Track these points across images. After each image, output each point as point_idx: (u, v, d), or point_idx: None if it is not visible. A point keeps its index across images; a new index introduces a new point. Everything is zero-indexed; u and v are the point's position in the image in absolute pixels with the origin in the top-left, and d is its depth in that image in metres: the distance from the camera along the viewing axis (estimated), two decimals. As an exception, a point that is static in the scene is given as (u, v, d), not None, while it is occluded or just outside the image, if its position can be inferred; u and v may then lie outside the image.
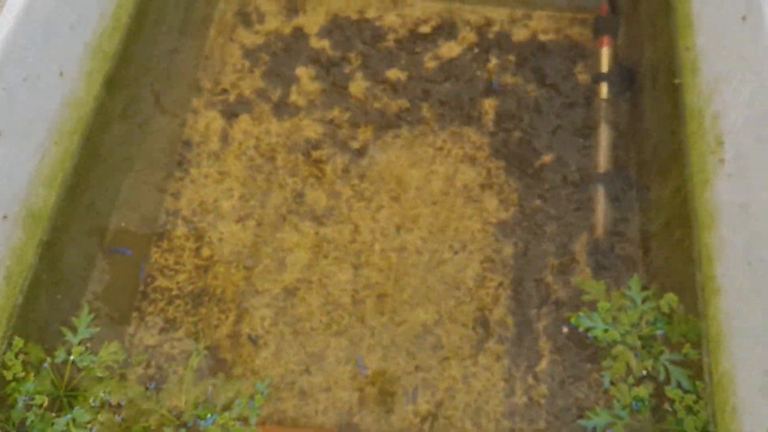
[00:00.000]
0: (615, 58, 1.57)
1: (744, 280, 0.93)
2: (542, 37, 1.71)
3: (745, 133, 0.98)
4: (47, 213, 1.14)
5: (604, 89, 1.54)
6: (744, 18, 1.02)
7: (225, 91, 1.65)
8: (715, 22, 1.13)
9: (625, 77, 1.54)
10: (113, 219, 1.45)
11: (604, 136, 1.51)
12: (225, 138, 1.60)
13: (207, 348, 1.36)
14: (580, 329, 1.19)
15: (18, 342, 1.21)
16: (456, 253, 1.47)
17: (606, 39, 1.56)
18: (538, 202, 1.52)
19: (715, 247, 1.04)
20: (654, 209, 1.35)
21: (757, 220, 0.92)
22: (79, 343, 1.32)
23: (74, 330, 1.32)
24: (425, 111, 1.65)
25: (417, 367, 1.36)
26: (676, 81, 1.25)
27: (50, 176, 1.13)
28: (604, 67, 1.55)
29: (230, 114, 1.63)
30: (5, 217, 1.01)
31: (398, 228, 1.52)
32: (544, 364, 1.33)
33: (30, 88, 1.04)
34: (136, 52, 1.42)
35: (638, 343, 1.08)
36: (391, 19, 1.75)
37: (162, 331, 1.39)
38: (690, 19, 1.24)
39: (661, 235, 1.27)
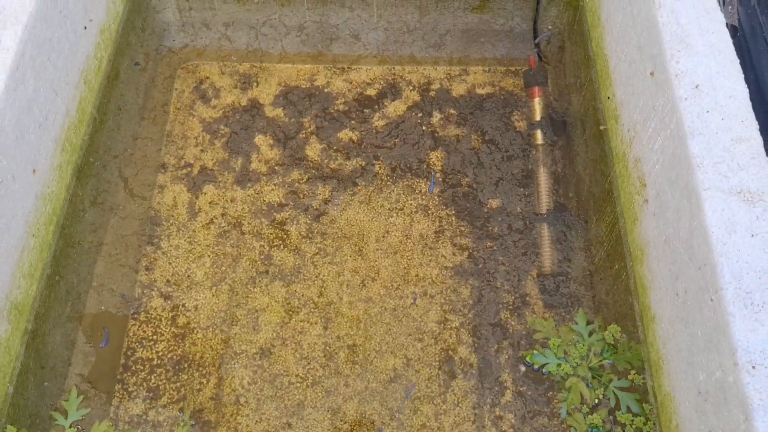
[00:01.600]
0: (546, 106, 1.71)
1: (673, 309, 1.05)
2: (479, 91, 1.85)
3: (661, 176, 1.11)
4: (30, 303, 1.21)
5: (539, 136, 1.67)
6: (652, 74, 1.16)
7: (189, 164, 1.75)
8: (629, 76, 1.26)
9: (557, 124, 1.68)
10: (91, 302, 1.53)
11: (543, 179, 1.64)
12: (192, 209, 1.69)
13: (191, 414, 1.44)
14: (536, 366, 1.30)
15: (11, 430, 1.27)
16: (418, 298, 1.57)
17: (536, 90, 1.70)
18: (488, 243, 1.64)
19: (647, 279, 1.16)
20: (594, 245, 1.47)
21: (678, 255, 1.04)
22: (71, 426, 1.38)
23: (65, 413, 1.38)
24: (378, 168, 1.76)
25: (391, 410, 1.45)
26: (602, 127, 1.38)
27: (30, 268, 1.20)
28: (537, 115, 1.69)
29: (195, 186, 1.72)
30: (-3, 310, 1.08)
31: (363, 280, 1.62)
32: (508, 397, 1.43)
33: (6, 189, 1.12)
34: (102, 140, 1.51)
35: (589, 374, 1.19)
36: (339, 84, 1.87)
37: (146, 399, 1.46)
38: (608, 72, 1.37)
39: (602, 269, 1.39)
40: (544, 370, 1.26)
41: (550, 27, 1.69)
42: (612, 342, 1.18)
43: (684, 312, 1.01)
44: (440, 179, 1.72)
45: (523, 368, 1.37)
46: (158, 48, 1.80)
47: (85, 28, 1.38)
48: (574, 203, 1.59)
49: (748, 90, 1.07)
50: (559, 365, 1.22)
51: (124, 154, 1.65)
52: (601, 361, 1.19)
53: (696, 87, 1.07)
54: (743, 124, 1.04)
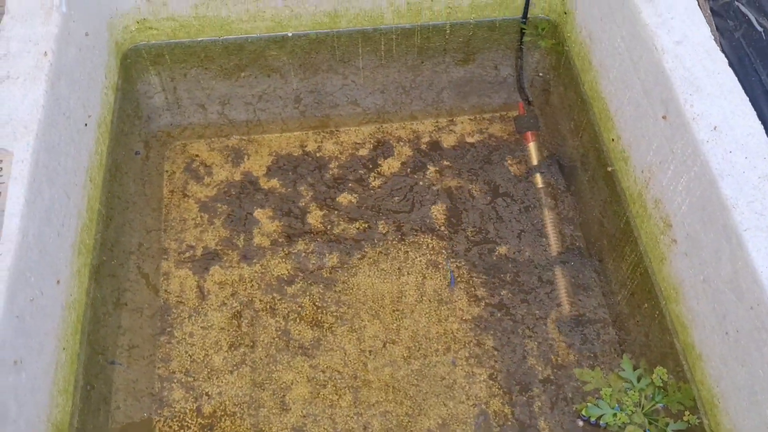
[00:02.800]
0: (541, 150, 1.74)
1: (723, 348, 1.07)
2: (469, 139, 1.87)
3: (691, 217, 1.14)
4: (68, 421, 1.17)
5: (538, 179, 1.70)
6: (664, 117, 1.19)
7: (191, 247, 1.72)
8: (636, 119, 1.29)
9: (556, 167, 1.71)
10: (121, 409, 1.48)
11: (549, 221, 1.66)
12: (201, 293, 1.66)
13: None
14: (593, 419, 1.31)
15: None
16: (456, 361, 1.57)
17: (530, 135, 1.73)
18: (504, 292, 1.65)
19: (686, 317, 1.18)
20: (614, 285, 1.49)
21: (723, 295, 1.06)
22: None
23: None
24: (382, 228, 1.76)
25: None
26: (609, 168, 1.41)
27: (65, 384, 1.16)
28: (534, 160, 1.72)
29: (201, 269, 1.69)
30: (41, 436, 1.04)
31: (384, 344, 1.61)
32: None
33: (36, 307, 1.09)
34: (114, 236, 1.48)
35: (645, 420, 1.20)
36: (330, 148, 1.88)
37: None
38: (609, 114, 1.41)
39: (630, 309, 1.41)
40: (600, 422, 1.27)
41: (541, 75, 1.73)
42: (661, 384, 1.20)
43: (738, 351, 1.03)
44: (445, 232, 1.73)
45: (581, 422, 1.37)
46: (152, 133, 1.78)
47: (86, 125, 1.36)
48: (585, 244, 1.62)
49: (762, 126, 1.11)
50: (615, 415, 1.22)
51: (140, 249, 1.61)
52: (653, 405, 1.20)
53: (714, 129, 1.10)
54: (766, 161, 1.07)
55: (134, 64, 1.62)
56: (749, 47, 1.38)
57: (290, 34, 1.63)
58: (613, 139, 1.39)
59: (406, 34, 1.66)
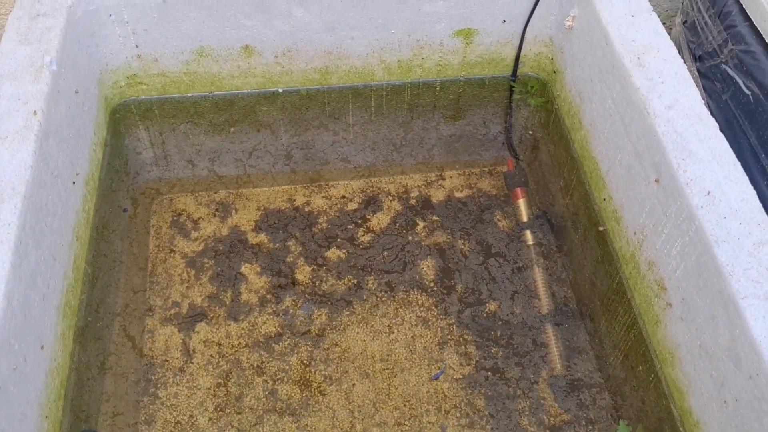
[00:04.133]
0: (531, 207, 1.74)
1: (722, 416, 1.06)
2: (458, 194, 1.87)
3: (685, 281, 1.13)
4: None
5: (528, 236, 1.70)
6: (657, 181, 1.19)
7: (176, 303, 1.68)
8: (628, 181, 1.30)
9: (545, 224, 1.71)
10: None
11: (539, 278, 1.65)
12: (186, 351, 1.62)
13: None
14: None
15: None
16: (433, 416, 1.54)
17: (519, 191, 1.73)
18: (495, 352, 1.63)
19: (683, 382, 1.17)
20: (606, 346, 1.48)
21: (720, 362, 1.05)
22: None
23: None
24: (371, 284, 1.74)
25: None
26: (601, 228, 1.41)
27: (47, 452, 1.12)
28: (524, 216, 1.72)
29: (186, 326, 1.66)
30: None
31: (374, 404, 1.58)
32: None
33: (20, 375, 1.05)
34: (97, 296, 1.44)
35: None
36: (318, 202, 1.86)
37: None
38: (600, 174, 1.41)
39: (623, 371, 1.40)
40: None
41: (531, 132, 1.74)
42: (659, 451, 1.18)
43: (738, 420, 1.02)
44: (434, 288, 1.71)
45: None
46: (139, 188, 1.75)
47: (74, 183, 1.34)
48: (577, 305, 1.61)
49: (755, 191, 1.11)
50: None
51: (126, 309, 1.58)
52: (652, 472, 1.18)
53: (708, 194, 1.11)
54: (760, 227, 1.07)
55: (123, 119, 1.61)
56: (737, 109, 1.40)
57: (281, 90, 1.63)
58: (604, 199, 1.39)
59: (396, 90, 1.67)
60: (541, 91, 1.66)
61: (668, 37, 1.33)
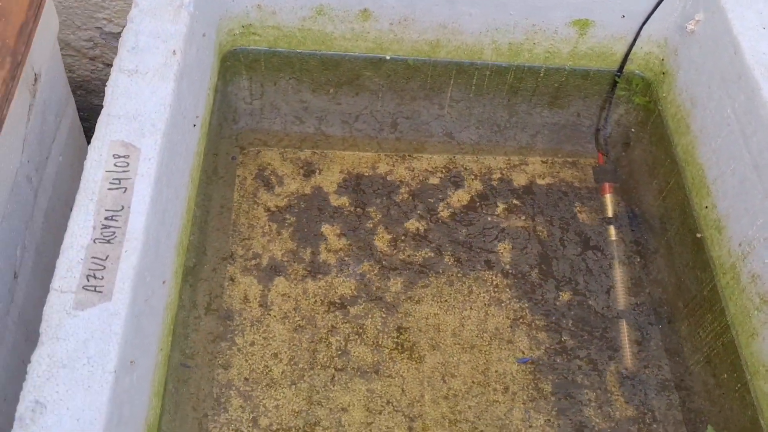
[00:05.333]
0: (618, 203, 1.76)
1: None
2: (540, 181, 1.89)
3: (798, 298, 1.15)
4: (157, 423, 1.16)
5: (612, 231, 1.72)
6: (776, 196, 1.21)
7: (257, 255, 1.71)
8: (739, 192, 1.31)
9: (631, 222, 1.73)
10: (187, 412, 1.46)
11: (618, 275, 1.67)
12: (264, 303, 1.65)
13: None
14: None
15: None
16: (501, 395, 1.57)
17: (607, 186, 1.75)
18: (565, 338, 1.66)
19: (777, 396, 1.20)
20: (686, 350, 1.51)
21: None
22: None
23: None
24: (447, 259, 1.77)
25: None
26: (698, 235, 1.42)
27: (158, 386, 1.15)
28: (609, 212, 1.74)
29: (266, 279, 1.68)
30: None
31: (443, 377, 1.61)
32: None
33: (149, 307, 1.08)
34: (204, 246, 1.47)
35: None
36: (401, 172, 1.88)
37: None
38: (705, 182, 1.42)
39: (704, 377, 1.42)
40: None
41: (627, 130, 1.75)
42: (746, 459, 1.21)
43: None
44: (510, 270, 1.73)
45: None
46: (236, 136, 1.77)
47: (194, 125, 1.35)
48: (654, 303, 1.63)
49: None
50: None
51: (221, 253, 1.61)
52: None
53: (834, 216, 1.12)
54: None
55: (231, 67, 1.62)
56: None
57: (388, 58, 1.64)
58: (706, 207, 1.41)
59: (501, 72, 1.68)
60: (644, 90, 1.66)
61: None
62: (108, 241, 1.02)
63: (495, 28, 1.58)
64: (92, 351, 0.92)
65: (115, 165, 1.09)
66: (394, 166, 1.89)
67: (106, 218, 1.04)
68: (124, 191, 1.07)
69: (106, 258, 1.01)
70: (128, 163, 1.10)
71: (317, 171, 1.86)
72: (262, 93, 1.71)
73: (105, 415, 0.89)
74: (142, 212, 1.05)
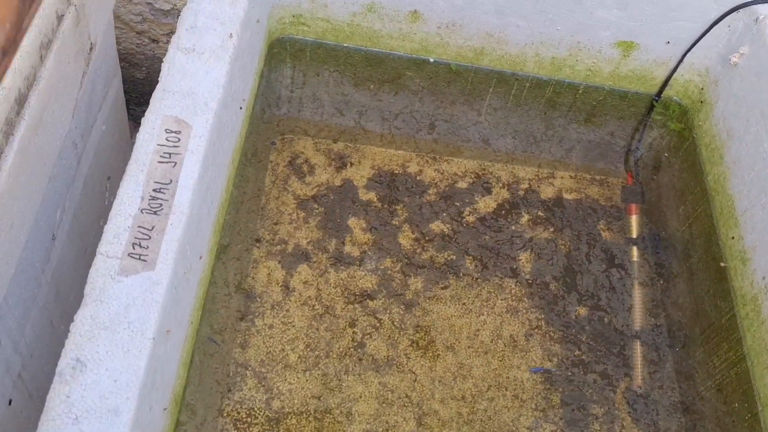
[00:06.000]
0: (643, 225, 1.78)
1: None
2: (567, 196, 1.91)
3: (818, 335, 1.17)
4: (182, 392, 1.19)
5: (635, 253, 1.74)
6: (806, 233, 1.23)
7: (283, 241, 1.74)
8: (767, 227, 1.33)
9: (654, 245, 1.75)
10: (208, 386, 1.49)
11: (637, 295, 1.70)
12: (286, 288, 1.67)
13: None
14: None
15: None
16: (510, 401, 1.59)
17: (634, 207, 1.77)
18: (579, 352, 1.68)
19: (788, 428, 1.22)
20: (699, 375, 1.53)
21: None
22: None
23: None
24: (469, 263, 1.79)
25: None
26: (722, 264, 1.44)
27: (185, 357, 1.18)
28: (634, 232, 1.76)
29: (289, 264, 1.71)
30: (165, 409, 1.06)
31: (455, 377, 1.63)
32: None
33: (186, 280, 1.11)
34: (240, 226, 1.50)
35: None
36: (431, 174, 1.91)
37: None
38: (734, 213, 1.44)
39: (714, 403, 1.44)
40: None
41: (660, 154, 1.77)
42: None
43: None
44: (529, 280, 1.76)
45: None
46: (281, 123, 1.80)
47: (240, 108, 1.38)
48: (672, 326, 1.65)
49: None
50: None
51: (251, 235, 1.64)
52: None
53: None
54: None
55: (277, 54, 1.65)
56: None
57: (432, 60, 1.66)
58: (732, 237, 1.42)
59: (540, 85, 1.70)
60: (680, 117, 1.68)
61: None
62: (155, 213, 1.05)
63: (540, 42, 1.60)
64: (133, 316, 0.95)
65: (167, 139, 1.12)
66: (424, 166, 1.91)
67: (154, 190, 1.07)
68: (174, 165, 1.10)
69: (152, 228, 1.04)
70: (179, 139, 1.13)
71: (349, 164, 1.88)
72: (305, 82, 1.74)
73: (141, 379, 0.92)
74: (189, 187, 1.08)
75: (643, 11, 1.51)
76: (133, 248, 1.01)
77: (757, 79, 1.43)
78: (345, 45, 1.65)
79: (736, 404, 1.36)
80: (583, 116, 1.78)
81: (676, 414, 1.56)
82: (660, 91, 1.66)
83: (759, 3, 1.46)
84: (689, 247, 1.61)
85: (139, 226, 1.04)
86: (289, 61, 1.69)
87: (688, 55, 1.59)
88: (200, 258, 1.18)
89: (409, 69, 1.69)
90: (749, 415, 1.31)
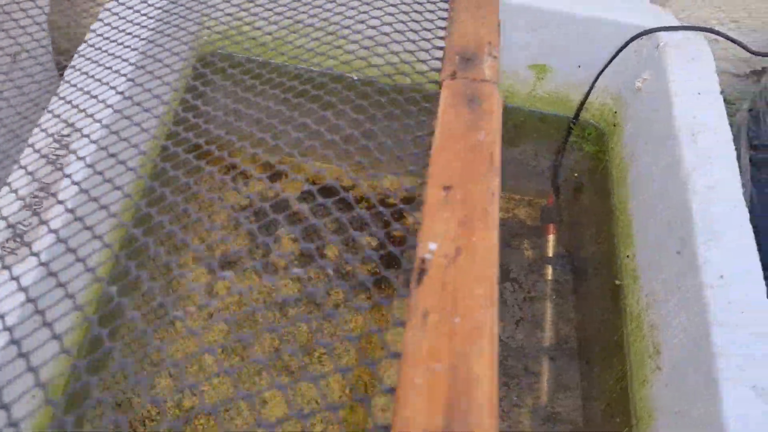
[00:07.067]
0: (558, 244, 1.82)
1: (680, 482, 1.13)
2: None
3: (679, 352, 1.20)
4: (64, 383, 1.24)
5: (549, 271, 1.78)
6: (679, 253, 1.26)
7: (211, 248, 1.80)
8: (654, 246, 1.36)
9: (567, 264, 1.78)
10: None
11: (548, 312, 1.73)
12: (210, 293, 1.73)
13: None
14: None
15: None
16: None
17: (551, 227, 1.81)
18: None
19: (653, 442, 1.25)
20: (595, 390, 1.56)
21: (695, 430, 1.13)
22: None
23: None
24: (392, 276, 1.83)
25: None
26: (618, 282, 1.48)
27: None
28: (549, 251, 1.80)
29: (215, 270, 1.77)
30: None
31: (366, 385, 1.68)
32: None
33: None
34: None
35: None
36: (363, 188, 1.96)
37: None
38: (630, 232, 1.48)
39: (603, 418, 1.47)
40: None
41: (576, 174, 1.81)
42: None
43: (693, 488, 1.09)
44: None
45: None
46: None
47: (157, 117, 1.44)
48: (576, 344, 1.68)
49: (766, 288, 1.18)
50: None
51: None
52: None
53: (721, 277, 1.17)
54: (758, 322, 1.14)
55: (209, 67, 1.72)
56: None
57: (356, 78, 1.72)
58: (628, 256, 1.46)
59: (462, 105, 1.75)
60: (597, 139, 1.72)
61: (727, 121, 1.39)
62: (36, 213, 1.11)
63: (457, 63, 1.65)
64: None
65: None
66: (357, 181, 1.96)
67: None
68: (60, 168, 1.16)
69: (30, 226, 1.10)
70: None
71: (283, 176, 1.94)
72: (237, 96, 1.80)
73: None
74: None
75: (552, 35, 1.57)
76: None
77: (654, 103, 1.48)
78: (270, 60, 1.72)
79: (618, 419, 1.39)
80: (507, 137, 1.82)
81: (574, 429, 1.59)
82: (577, 114, 1.71)
83: (661, 30, 1.51)
84: (597, 266, 1.65)
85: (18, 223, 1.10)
86: (219, 74, 1.76)
87: (601, 79, 1.63)
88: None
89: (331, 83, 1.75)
90: (626, 429, 1.34)
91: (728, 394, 1.06)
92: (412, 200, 1.87)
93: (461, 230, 0.71)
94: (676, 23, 1.53)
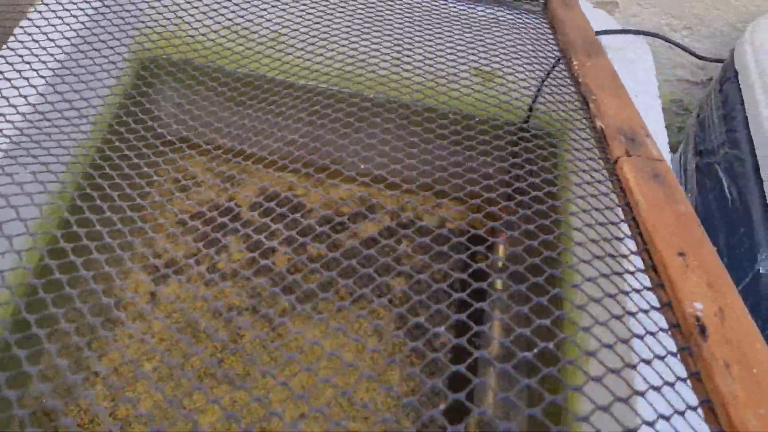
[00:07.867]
0: (508, 253, 1.79)
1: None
2: (449, 225, 1.92)
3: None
4: None
5: (498, 283, 1.74)
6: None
7: (157, 255, 1.77)
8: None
9: (517, 273, 1.75)
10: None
11: (497, 323, 1.69)
12: (153, 300, 1.71)
13: None
14: None
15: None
16: (361, 422, 1.59)
17: (502, 236, 1.78)
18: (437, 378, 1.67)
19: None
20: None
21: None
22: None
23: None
24: (341, 286, 1.80)
25: None
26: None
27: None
28: (500, 262, 1.76)
29: (160, 277, 1.74)
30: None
31: (308, 396, 1.64)
32: None
33: None
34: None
35: None
36: (316, 197, 1.94)
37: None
38: (570, 240, 1.44)
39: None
40: None
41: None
42: None
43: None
44: (398, 304, 1.76)
45: None
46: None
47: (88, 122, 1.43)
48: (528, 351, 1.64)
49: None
50: None
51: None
52: None
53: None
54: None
55: (149, 72, 1.71)
56: (716, 210, 1.42)
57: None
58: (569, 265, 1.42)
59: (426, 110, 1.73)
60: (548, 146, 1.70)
61: (664, 126, 1.36)
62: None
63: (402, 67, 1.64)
64: None
65: None
66: (310, 190, 1.95)
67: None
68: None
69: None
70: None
71: (236, 184, 1.92)
72: (185, 101, 1.79)
73: None
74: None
75: (496, 42, 1.55)
76: None
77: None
78: (217, 64, 1.71)
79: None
80: (463, 143, 1.80)
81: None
82: (526, 121, 1.68)
83: (602, 34, 1.49)
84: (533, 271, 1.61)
85: None
86: (163, 79, 1.75)
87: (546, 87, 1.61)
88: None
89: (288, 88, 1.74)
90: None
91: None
92: (364, 209, 1.82)
93: (712, 292, 0.77)
94: (618, 27, 1.51)
